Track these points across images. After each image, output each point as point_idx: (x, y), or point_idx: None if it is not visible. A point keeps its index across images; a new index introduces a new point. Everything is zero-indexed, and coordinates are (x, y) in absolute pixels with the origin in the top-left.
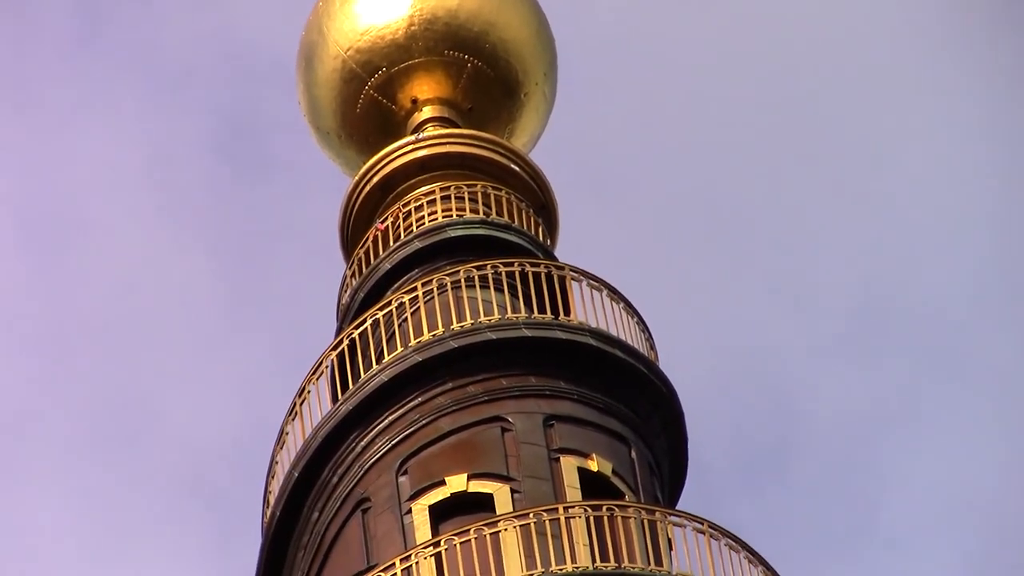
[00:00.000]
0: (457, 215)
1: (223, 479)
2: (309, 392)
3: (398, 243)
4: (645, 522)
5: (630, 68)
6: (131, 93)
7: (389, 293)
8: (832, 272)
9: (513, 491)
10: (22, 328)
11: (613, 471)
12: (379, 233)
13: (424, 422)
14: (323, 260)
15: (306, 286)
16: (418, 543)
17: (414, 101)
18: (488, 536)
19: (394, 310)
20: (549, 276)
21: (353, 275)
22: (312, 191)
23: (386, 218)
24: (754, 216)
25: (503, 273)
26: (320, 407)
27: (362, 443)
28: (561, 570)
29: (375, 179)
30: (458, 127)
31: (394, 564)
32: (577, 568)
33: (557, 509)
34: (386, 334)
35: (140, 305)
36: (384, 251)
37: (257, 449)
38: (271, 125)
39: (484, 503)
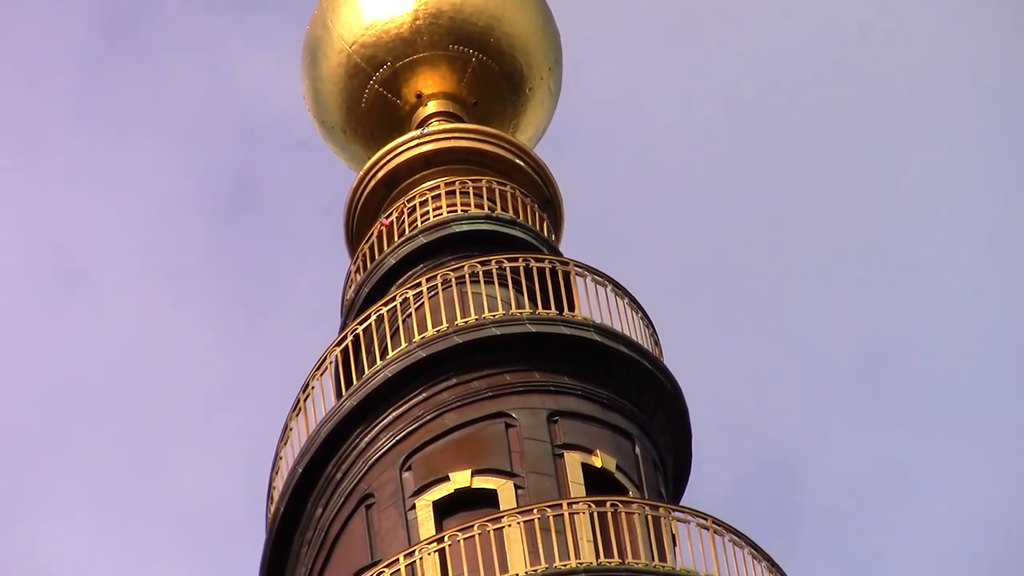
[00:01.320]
0: (462, 210)
1: (228, 528)
2: (313, 388)
3: (403, 238)
4: (649, 518)
5: (637, 65)
6: (134, 151)
7: (393, 288)
8: (837, 329)
9: (517, 487)
10: (27, 384)
11: (617, 467)
12: (384, 228)
13: (428, 418)
14: (325, 316)
15: (308, 343)
16: (422, 539)
17: (419, 96)
18: (492, 532)
19: (398, 306)
20: (553, 271)
21: (357, 270)
22: (314, 250)
23: (391, 213)
24: (758, 272)
25: (507, 268)
26: (324, 403)
27: (366, 439)
28: (565, 566)
29: (380, 174)
30: (463, 122)
31: (398, 560)
32: (581, 564)
33: (561, 505)
34: (390, 330)
35: (143, 361)
36: (389, 246)
37: (261, 494)
38: (274, 183)
39: (488, 499)
